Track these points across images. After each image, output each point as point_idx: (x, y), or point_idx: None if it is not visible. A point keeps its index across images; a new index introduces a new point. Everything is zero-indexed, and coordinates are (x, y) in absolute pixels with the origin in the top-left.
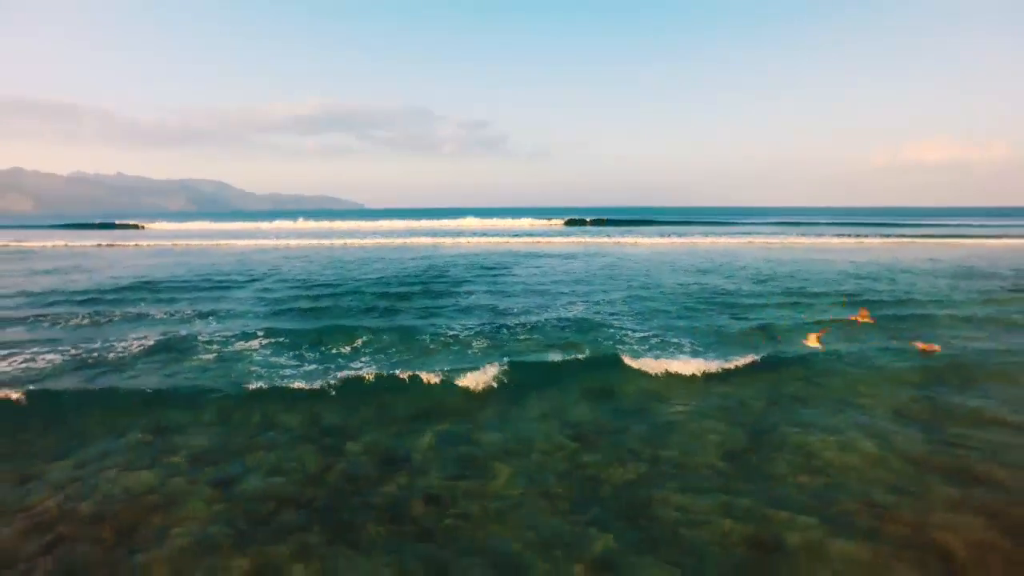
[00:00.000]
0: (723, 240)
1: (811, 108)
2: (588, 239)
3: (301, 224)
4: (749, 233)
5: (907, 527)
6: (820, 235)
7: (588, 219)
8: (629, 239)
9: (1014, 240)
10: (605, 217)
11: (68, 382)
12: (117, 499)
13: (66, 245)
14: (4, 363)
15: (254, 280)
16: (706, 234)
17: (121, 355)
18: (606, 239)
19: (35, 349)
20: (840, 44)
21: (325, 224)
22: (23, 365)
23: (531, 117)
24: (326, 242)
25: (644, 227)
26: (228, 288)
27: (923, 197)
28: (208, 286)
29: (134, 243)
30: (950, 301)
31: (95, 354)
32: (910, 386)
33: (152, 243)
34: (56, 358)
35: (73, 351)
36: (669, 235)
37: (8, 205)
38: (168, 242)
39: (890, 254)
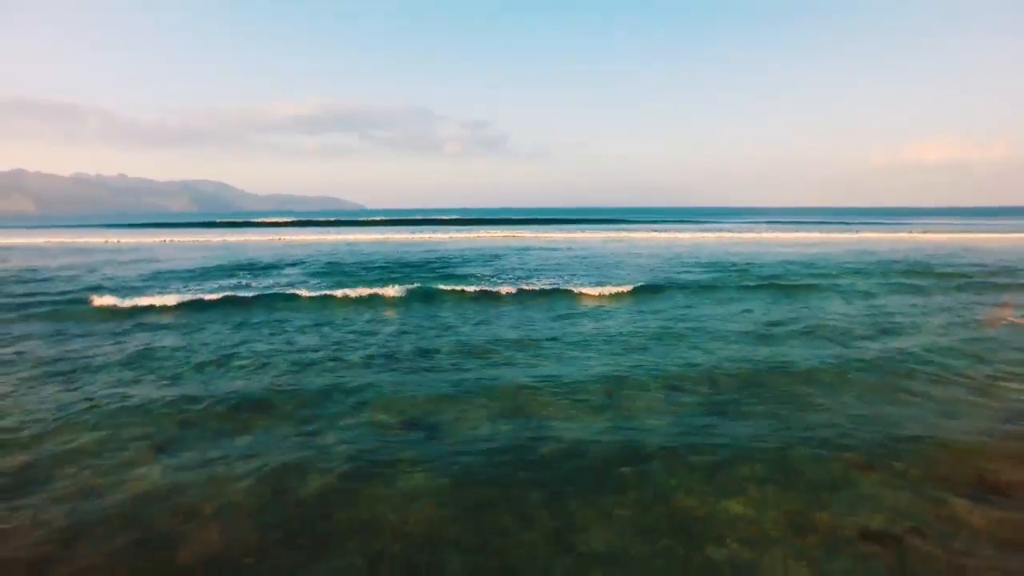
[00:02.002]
0: (700, 235)
1: (811, 108)
2: (576, 235)
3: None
4: (729, 230)
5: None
6: (795, 231)
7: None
8: (615, 234)
9: (957, 235)
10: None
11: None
12: (310, 343)
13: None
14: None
15: (335, 256)
16: (679, 231)
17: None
18: (593, 235)
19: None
20: (840, 44)
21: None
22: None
23: (531, 117)
24: (340, 236)
25: (630, 225)
26: (302, 263)
27: (923, 197)
28: (289, 263)
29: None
30: (829, 275)
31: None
32: (746, 301)
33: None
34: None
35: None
36: (642, 232)
37: (10, 206)
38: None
39: (840, 247)
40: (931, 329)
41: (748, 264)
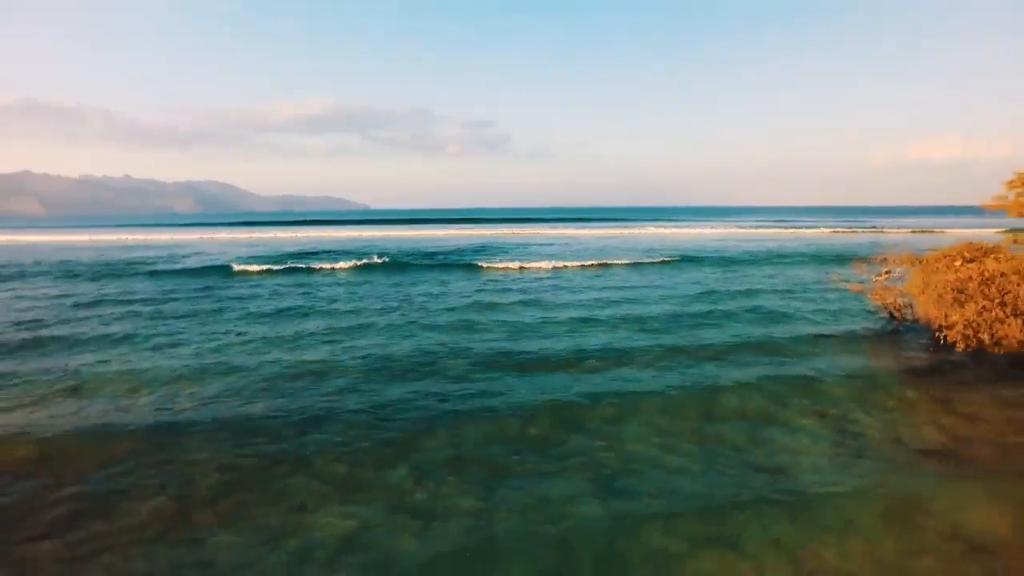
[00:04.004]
0: (687, 231)
1: (811, 108)
2: (574, 231)
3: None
4: (715, 227)
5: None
6: (773, 228)
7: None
8: (609, 231)
9: (906, 231)
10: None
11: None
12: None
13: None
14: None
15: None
16: (669, 228)
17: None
18: (590, 231)
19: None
20: (840, 44)
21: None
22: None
23: (532, 117)
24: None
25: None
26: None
27: (924, 196)
28: (324, 249)
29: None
30: (762, 258)
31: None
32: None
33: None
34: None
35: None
36: (627, 228)
37: (17, 208)
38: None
39: (797, 241)
40: (788, 284)
41: (711, 250)
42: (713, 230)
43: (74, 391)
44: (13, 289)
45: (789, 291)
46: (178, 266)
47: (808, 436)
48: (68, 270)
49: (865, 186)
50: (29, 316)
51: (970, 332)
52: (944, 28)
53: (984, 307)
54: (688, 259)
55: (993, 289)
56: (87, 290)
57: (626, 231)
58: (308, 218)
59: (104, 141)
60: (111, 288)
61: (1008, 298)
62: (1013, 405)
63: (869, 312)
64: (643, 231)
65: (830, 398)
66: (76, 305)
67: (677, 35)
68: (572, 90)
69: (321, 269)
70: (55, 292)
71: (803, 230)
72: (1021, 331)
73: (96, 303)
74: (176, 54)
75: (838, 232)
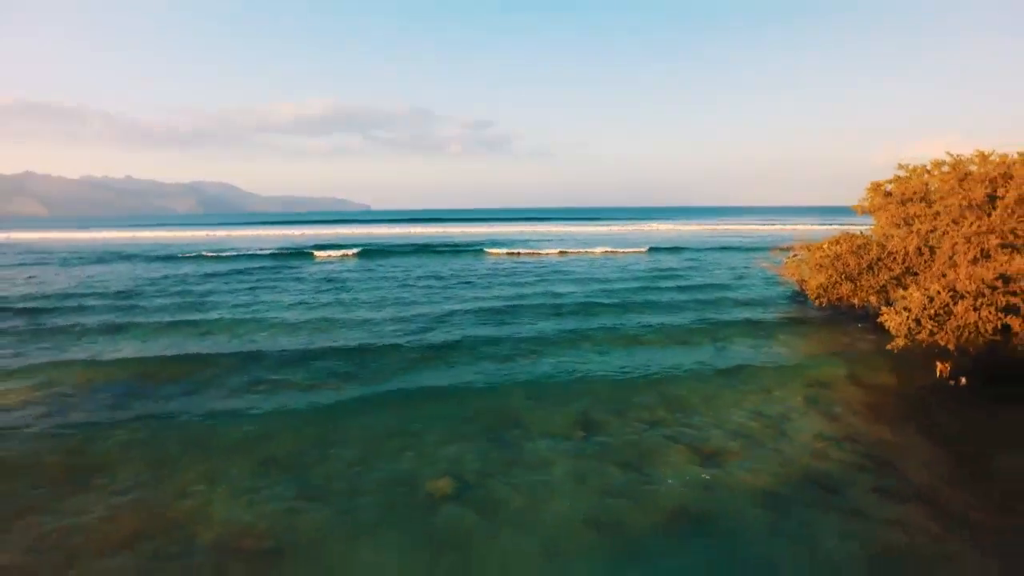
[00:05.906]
0: (677, 227)
1: (811, 108)
2: (571, 228)
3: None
4: (704, 224)
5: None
6: (745, 225)
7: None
8: (605, 228)
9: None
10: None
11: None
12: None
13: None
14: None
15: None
16: (661, 225)
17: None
18: (585, 228)
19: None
20: (840, 44)
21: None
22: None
23: (533, 117)
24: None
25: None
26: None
27: None
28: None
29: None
30: (707, 247)
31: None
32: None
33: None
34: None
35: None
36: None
37: (19, 208)
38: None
39: (765, 235)
40: (735, 266)
41: (690, 243)
42: (705, 227)
43: (310, 306)
44: (119, 271)
45: (733, 271)
46: (263, 251)
47: (697, 349)
48: (156, 255)
49: (865, 186)
50: (190, 286)
51: (822, 292)
52: (944, 28)
53: (830, 275)
54: (659, 248)
55: (839, 264)
56: (202, 268)
57: (620, 229)
58: (316, 218)
59: (105, 141)
60: (224, 267)
61: (847, 269)
62: (820, 326)
63: (779, 284)
64: (634, 228)
65: (720, 323)
66: (209, 276)
67: (677, 35)
68: (572, 90)
69: (363, 254)
70: (167, 271)
71: (789, 227)
72: (850, 291)
73: (223, 275)
74: (176, 54)
75: (815, 228)
